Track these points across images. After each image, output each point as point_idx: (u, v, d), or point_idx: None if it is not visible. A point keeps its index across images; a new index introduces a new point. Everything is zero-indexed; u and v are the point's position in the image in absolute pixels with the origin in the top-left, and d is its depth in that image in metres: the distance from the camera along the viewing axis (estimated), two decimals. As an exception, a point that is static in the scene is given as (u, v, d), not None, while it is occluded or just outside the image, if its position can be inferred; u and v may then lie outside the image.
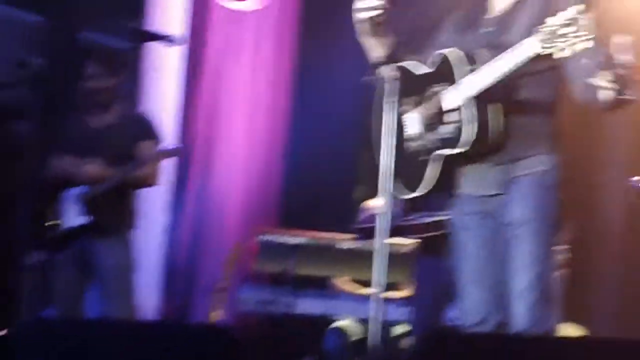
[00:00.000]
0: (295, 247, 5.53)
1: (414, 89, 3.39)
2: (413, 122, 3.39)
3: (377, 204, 5.66)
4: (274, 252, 5.53)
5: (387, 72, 3.31)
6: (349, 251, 5.55)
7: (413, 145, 3.38)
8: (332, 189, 6.63)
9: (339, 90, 6.45)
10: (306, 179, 6.63)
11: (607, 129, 6.07)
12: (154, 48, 5.28)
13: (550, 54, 3.01)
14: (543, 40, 2.94)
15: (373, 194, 6.12)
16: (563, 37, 2.88)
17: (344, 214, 6.16)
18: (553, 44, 2.92)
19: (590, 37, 2.86)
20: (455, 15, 3.54)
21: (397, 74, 3.33)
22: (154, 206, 6.05)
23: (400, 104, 3.38)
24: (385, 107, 3.30)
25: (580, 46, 2.87)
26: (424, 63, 3.41)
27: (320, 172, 6.64)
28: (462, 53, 3.25)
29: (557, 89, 3.34)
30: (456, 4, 3.57)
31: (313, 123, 6.44)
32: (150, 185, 5.08)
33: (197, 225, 6.57)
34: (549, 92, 3.33)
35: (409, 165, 3.37)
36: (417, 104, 3.38)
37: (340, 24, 6.76)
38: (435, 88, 3.31)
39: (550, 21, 2.92)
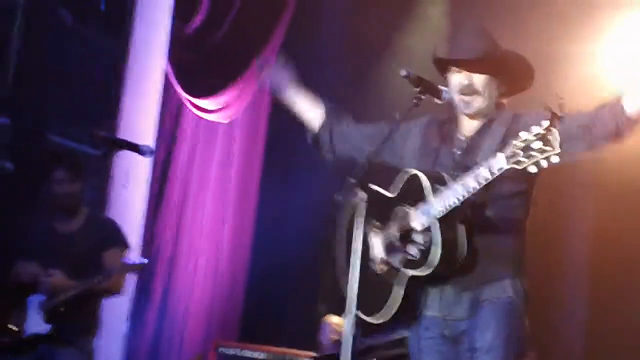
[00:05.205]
0: (254, 362, 5.52)
1: (383, 211, 3.35)
2: (378, 245, 3.35)
3: (339, 321, 5.68)
4: (233, 365, 5.53)
5: (357, 194, 3.27)
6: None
7: (379, 267, 3.34)
8: (293, 304, 6.63)
9: (302, 206, 6.49)
10: (268, 294, 6.62)
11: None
12: (124, 157, 5.30)
13: (519, 176, 3.07)
14: (508, 157, 2.92)
15: (334, 310, 6.13)
16: (531, 151, 2.85)
17: (305, 329, 6.14)
18: (519, 159, 2.88)
19: (556, 152, 2.83)
20: (427, 129, 3.52)
21: (366, 196, 3.21)
22: (114, 315, 5.97)
23: (368, 226, 3.36)
24: (354, 228, 3.22)
25: (544, 163, 2.84)
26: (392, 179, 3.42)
27: (282, 288, 6.64)
28: (431, 174, 3.24)
29: (523, 213, 3.36)
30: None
31: (277, 238, 6.44)
32: (114, 294, 5.03)
33: (157, 336, 6.49)
34: (515, 216, 3.34)
35: (374, 287, 3.30)
36: (384, 226, 3.35)
37: (306, 142, 6.94)
38: (404, 208, 3.27)
39: (523, 135, 2.90)
